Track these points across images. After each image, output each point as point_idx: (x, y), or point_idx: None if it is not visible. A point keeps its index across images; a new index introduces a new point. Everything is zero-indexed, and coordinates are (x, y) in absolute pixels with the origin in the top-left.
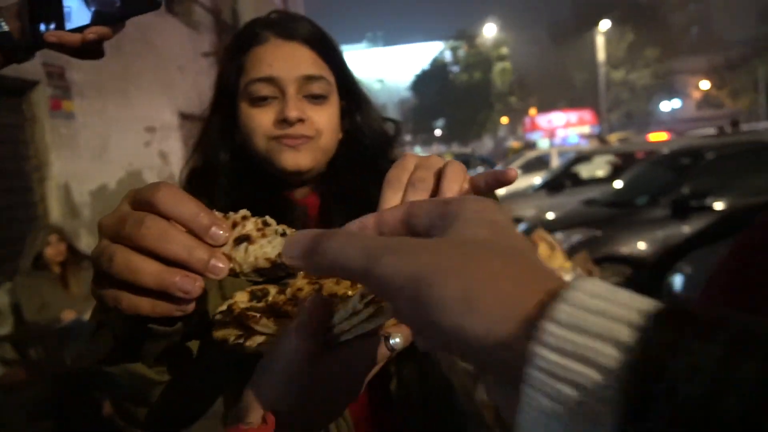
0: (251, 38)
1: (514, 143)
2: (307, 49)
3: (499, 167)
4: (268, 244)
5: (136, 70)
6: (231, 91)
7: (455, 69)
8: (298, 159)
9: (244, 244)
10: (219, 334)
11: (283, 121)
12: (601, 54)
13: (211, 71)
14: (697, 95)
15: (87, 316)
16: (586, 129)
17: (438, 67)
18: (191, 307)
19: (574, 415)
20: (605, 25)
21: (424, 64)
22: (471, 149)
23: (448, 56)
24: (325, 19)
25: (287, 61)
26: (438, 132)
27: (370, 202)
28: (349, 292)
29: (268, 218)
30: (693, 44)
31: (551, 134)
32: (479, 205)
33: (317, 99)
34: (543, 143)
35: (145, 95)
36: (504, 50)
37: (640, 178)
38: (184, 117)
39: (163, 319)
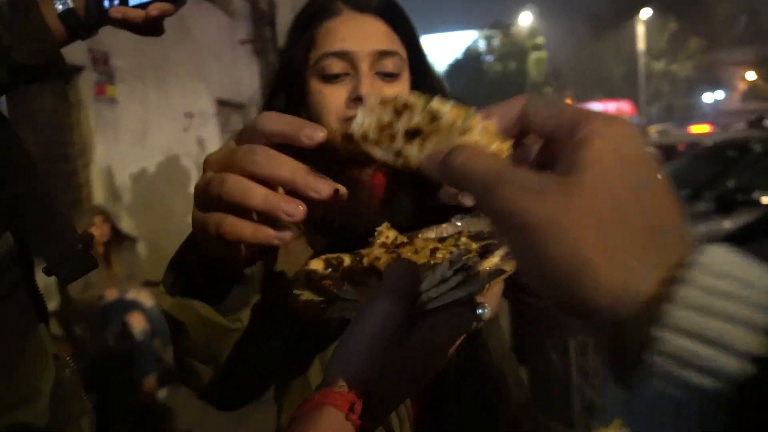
0: (323, 10)
1: None
2: (381, 23)
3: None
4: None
5: (174, 57)
6: (299, 65)
7: (489, 59)
8: None
9: (418, 140)
10: (302, 299)
11: (356, 99)
12: (641, 44)
13: (248, 59)
14: (742, 87)
15: (129, 295)
16: None
17: (471, 57)
18: (288, 235)
19: (696, 402)
20: (646, 13)
21: (458, 53)
22: None
23: (482, 46)
24: None
25: (361, 36)
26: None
27: (436, 185)
28: (432, 261)
29: (436, 104)
30: (740, 35)
31: None
32: (615, 132)
33: (390, 77)
34: None
35: (183, 82)
36: (540, 40)
37: (682, 171)
38: (221, 104)
39: (242, 262)
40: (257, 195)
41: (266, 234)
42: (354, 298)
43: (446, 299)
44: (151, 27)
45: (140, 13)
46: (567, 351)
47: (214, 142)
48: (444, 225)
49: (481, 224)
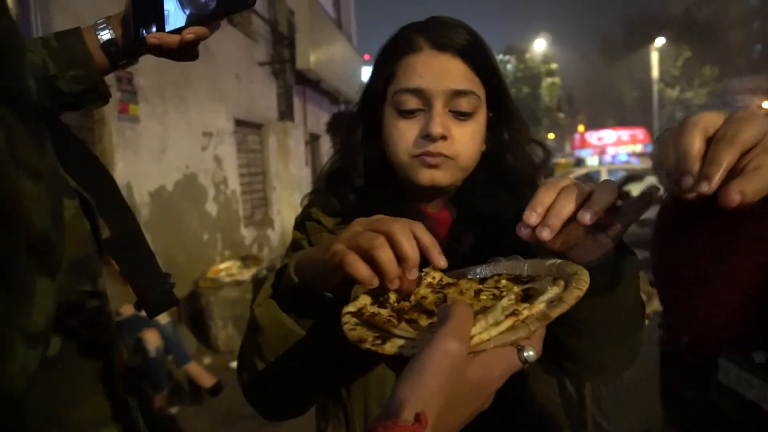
0: (405, 45)
1: (561, 159)
2: (459, 62)
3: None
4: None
5: (194, 77)
6: (379, 95)
7: None
8: (435, 177)
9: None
10: (354, 334)
11: (426, 136)
12: (654, 71)
13: (266, 79)
14: None
15: (143, 312)
16: (638, 147)
17: None
18: (394, 286)
19: None
20: (660, 41)
21: None
22: None
23: None
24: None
25: (438, 74)
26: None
27: (503, 228)
28: (477, 302)
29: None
30: (753, 63)
31: (602, 151)
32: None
33: (463, 115)
34: (592, 161)
35: (202, 101)
36: (553, 65)
37: None
38: (239, 123)
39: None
40: (385, 258)
41: (370, 279)
42: (410, 336)
43: (497, 342)
44: (186, 52)
45: (175, 38)
46: (583, 385)
47: (230, 161)
48: (482, 266)
49: (517, 268)
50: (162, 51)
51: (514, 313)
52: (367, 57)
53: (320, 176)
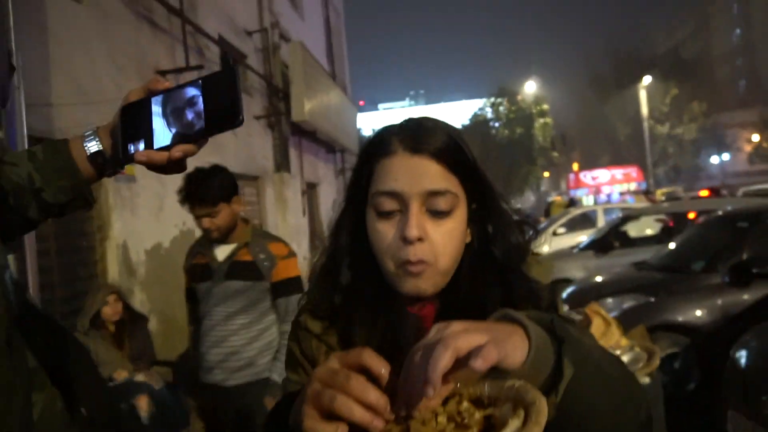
0: (380, 147)
1: (556, 198)
2: (434, 163)
3: (543, 224)
4: None
5: None
6: (360, 196)
7: (496, 125)
8: (418, 285)
9: None
10: None
11: (403, 239)
12: (644, 109)
13: (262, 132)
14: (748, 148)
15: (138, 377)
16: (632, 186)
17: (478, 123)
18: (380, 428)
19: None
20: (647, 80)
21: (465, 120)
22: (519, 204)
23: (488, 113)
24: (369, 78)
25: (412, 176)
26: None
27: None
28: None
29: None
30: (741, 97)
31: (597, 191)
32: None
33: (441, 214)
34: (588, 200)
35: (199, 156)
36: (545, 106)
37: (694, 240)
38: (236, 176)
39: None
40: (358, 415)
41: (366, 421)
42: None
43: None
44: (174, 167)
45: (164, 155)
46: None
47: None
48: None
49: (480, 388)
50: (150, 166)
51: None
52: (362, 103)
53: (310, 276)
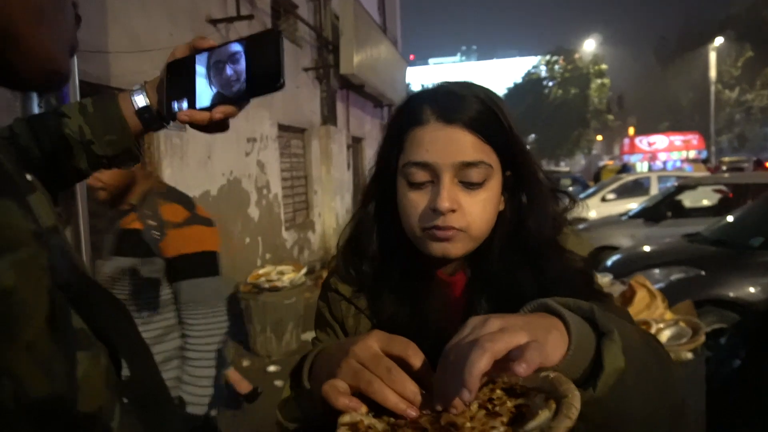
0: (412, 117)
1: (608, 162)
2: (467, 134)
3: (591, 189)
4: None
5: None
6: (391, 165)
7: (550, 84)
8: (447, 249)
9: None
10: None
11: (434, 210)
12: (712, 71)
13: (310, 84)
14: None
15: None
16: (692, 154)
17: (531, 81)
18: (413, 415)
19: None
20: (719, 41)
21: (518, 78)
22: (567, 167)
23: (543, 71)
24: (420, 32)
25: (444, 147)
26: (528, 147)
27: (519, 292)
28: (468, 424)
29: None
30: None
31: (652, 157)
32: None
33: (473, 185)
34: (642, 166)
35: (247, 108)
36: (603, 66)
37: (753, 214)
38: (283, 128)
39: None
40: (392, 402)
41: (400, 409)
42: None
43: None
44: (217, 127)
45: (205, 116)
46: None
47: (273, 165)
48: None
49: (515, 377)
50: (193, 125)
51: None
52: (412, 57)
53: (339, 242)
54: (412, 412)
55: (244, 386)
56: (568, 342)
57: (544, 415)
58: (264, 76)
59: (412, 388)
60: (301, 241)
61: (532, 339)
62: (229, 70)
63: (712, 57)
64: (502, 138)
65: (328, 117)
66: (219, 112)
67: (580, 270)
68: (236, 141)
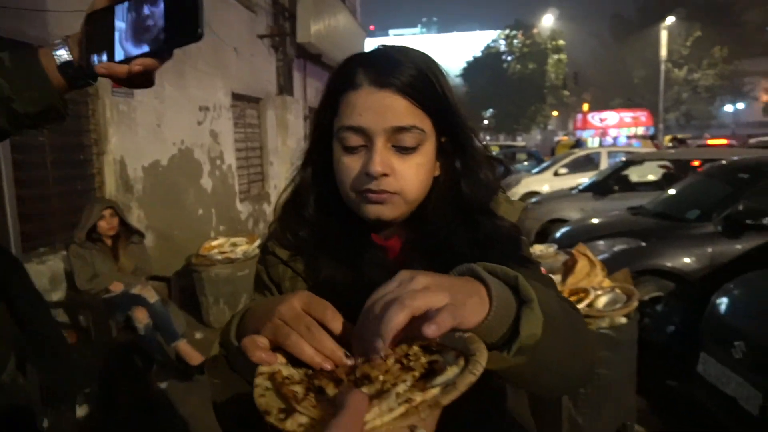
0: (346, 81)
1: (563, 138)
2: (400, 98)
3: (545, 163)
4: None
5: (192, 50)
6: (327, 130)
7: (509, 59)
8: (381, 212)
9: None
10: (262, 402)
11: (367, 174)
12: (663, 50)
13: (266, 53)
14: (765, 98)
15: (134, 290)
16: (640, 130)
17: (491, 56)
18: (328, 367)
19: None
20: (671, 20)
21: (477, 52)
22: (522, 142)
23: (502, 45)
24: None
25: (377, 112)
26: (486, 122)
27: (454, 256)
28: (381, 377)
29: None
30: (765, 45)
31: (603, 133)
32: None
33: (406, 150)
34: (593, 142)
35: (200, 76)
36: (561, 42)
37: (693, 189)
38: (237, 97)
39: None
40: (308, 355)
41: (315, 362)
42: (311, 415)
43: (389, 426)
44: (139, 80)
45: (124, 68)
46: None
47: (227, 135)
48: None
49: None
50: (112, 78)
51: (408, 400)
52: (372, 28)
53: (276, 206)
54: (327, 365)
55: (195, 358)
56: (488, 308)
57: (452, 371)
58: (183, 26)
59: (329, 345)
60: (256, 213)
61: (452, 302)
62: (147, 21)
63: (664, 36)
64: (436, 104)
65: (285, 87)
66: (138, 65)
67: (510, 235)
68: (188, 109)
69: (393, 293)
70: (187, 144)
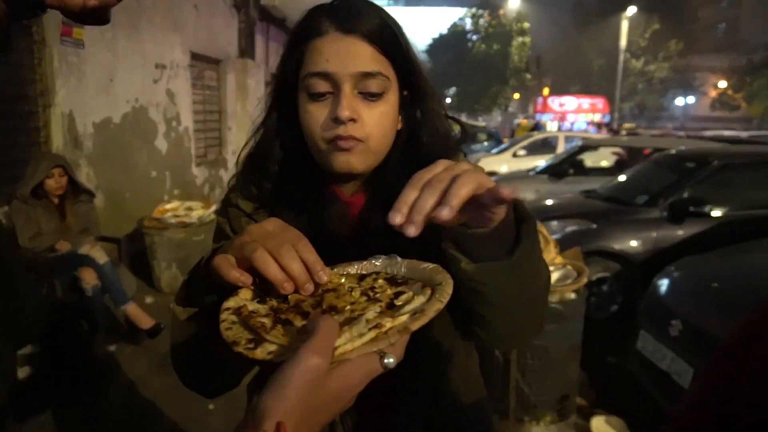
0: (311, 28)
1: (523, 120)
2: (366, 44)
3: (504, 144)
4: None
5: (148, 3)
6: (291, 80)
7: (474, 38)
8: (350, 161)
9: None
10: (229, 334)
11: (335, 119)
12: (623, 40)
13: (228, 13)
14: (713, 94)
15: (82, 249)
16: (597, 117)
17: (456, 34)
18: (290, 290)
19: None
20: (632, 11)
21: (443, 29)
22: (483, 122)
23: (468, 24)
24: None
25: (344, 57)
26: (449, 101)
27: None
28: (348, 307)
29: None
30: (717, 42)
31: (562, 118)
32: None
33: (373, 96)
34: (552, 126)
35: (156, 31)
36: (526, 24)
37: (642, 176)
38: (195, 57)
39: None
40: (272, 271)
41: (278, 280)
42: (281, 342)
43: (359, 352)
44: (93, 16)
45: (78, 1)
46: (509, 352)
47: (184, 96)
48: (364, 263)
49: (394, 267)
50: (65, 12)
51: (377, 326)
52: None
53: (239, 160)
54: (289, 286)
55: (145, 321)
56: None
57: (419, 300)
58: None
59: (296, 266)
60: (212, 179)
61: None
62: None
63: (624, 26)
64: (399, 54)
65: (246, 50)
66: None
67: None
68: (143, 66)
69: (451, 171)
70: (142, 102)
